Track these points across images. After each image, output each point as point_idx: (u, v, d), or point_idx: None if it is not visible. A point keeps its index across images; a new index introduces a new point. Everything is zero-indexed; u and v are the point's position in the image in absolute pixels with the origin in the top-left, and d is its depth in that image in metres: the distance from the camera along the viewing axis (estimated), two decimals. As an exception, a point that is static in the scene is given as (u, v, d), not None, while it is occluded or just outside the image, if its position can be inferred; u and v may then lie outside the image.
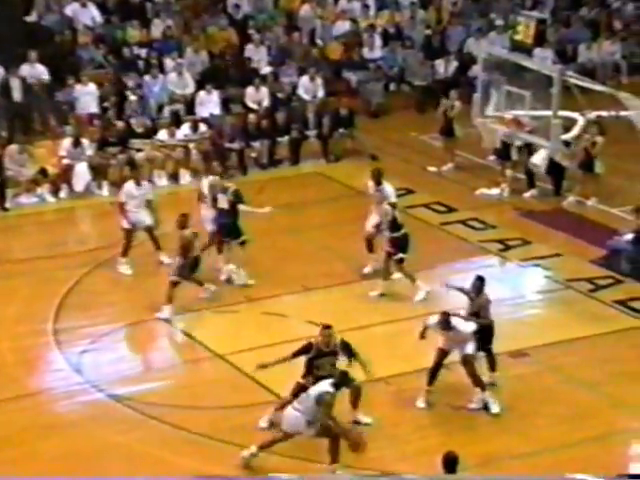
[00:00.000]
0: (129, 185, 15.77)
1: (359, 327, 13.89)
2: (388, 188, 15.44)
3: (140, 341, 14.03)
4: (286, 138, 19.96)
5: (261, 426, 11.78)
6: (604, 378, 12.95)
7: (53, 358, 13.51)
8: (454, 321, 12.18)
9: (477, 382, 12.32)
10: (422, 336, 12.38)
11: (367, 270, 15.35)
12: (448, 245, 16.57)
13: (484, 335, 12.52)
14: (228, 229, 15.17)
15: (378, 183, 15.47)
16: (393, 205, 15.07)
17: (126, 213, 15.56)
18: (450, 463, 9.21)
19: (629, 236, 15.80)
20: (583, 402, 12.56)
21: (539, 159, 16.78)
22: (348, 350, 11.62)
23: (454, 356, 12.34)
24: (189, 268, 14.37)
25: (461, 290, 12.82)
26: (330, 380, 10.95)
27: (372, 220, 15.40)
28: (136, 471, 11.31)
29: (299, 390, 11.39)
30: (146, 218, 15.67)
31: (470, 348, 12.27)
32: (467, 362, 12.26)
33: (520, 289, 15.17)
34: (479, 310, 12.58)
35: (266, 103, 20.88)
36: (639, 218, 15.62)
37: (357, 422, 11.87)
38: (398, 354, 13.13)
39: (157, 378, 13.09)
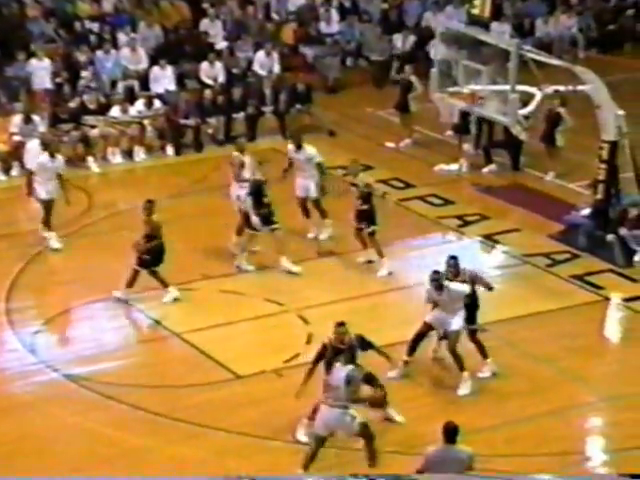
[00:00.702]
0: (44, 157, 15.66)
1: (318, 304, 13.95)
2: (310, 149, 15.72)
3: (96, 320, 13.97)
4: (242, 114, 19.88)
5: (301, 440, 11.26)
6: (561, 353, 13.08)
7: (6, 338, 13.42)
8: (447, 283, 12.11)
9: (457, 360, 12.24)
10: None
11: (319, 235, 15.61)
12: (407, 221, 16.63)
13: (471, 311, 12.48)
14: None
15: (298, 146, 15.64)
16: (320, 165, 15.61)
17: (32, 184, 15.50)
18: (450, 432, 9.33)
19: (586, 211, 15.95)
20: (541, 376, 12.68)
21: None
22: (365, 343, 11.34)
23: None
24: (154, 257, 14.16)
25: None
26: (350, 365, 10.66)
27: (299, 184, 15.65)
28: (93, 452, 11.29)
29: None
30: (53, 191, 15.49)
31: (456, 323, 12.20)
32: (449, 337, 12.24)
33: (478, 265, 15.27)
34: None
35: (221, 79, 20.79)
36: (595, 193, 15.78)
37: (389, 419, 11.52)
38: (363, 330, 13.17)
39: (114, 358, 13.04)
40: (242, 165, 15.45)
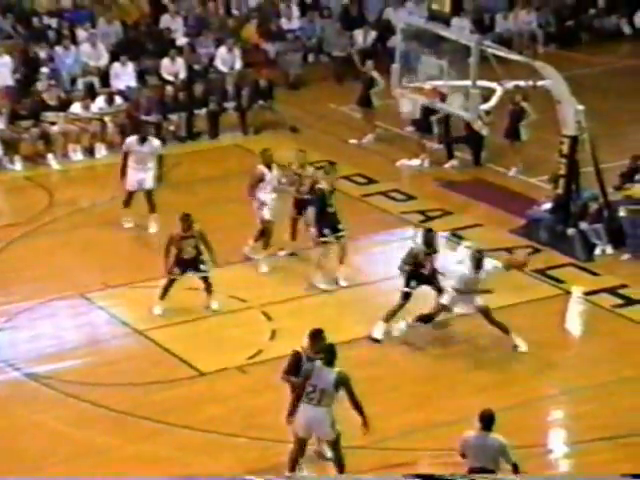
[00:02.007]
0: None
1: (281, 300, 13.95)
2: (155, 141, 16.00)
3: (58, 318, 13.89)
4: (204, 110, 19.83)
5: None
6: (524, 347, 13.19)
7: (-33, 337, 13.32)
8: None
9: (502, 327, 12.92)
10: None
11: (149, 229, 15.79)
12: (370, 217, 16.68)
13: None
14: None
15: (143, 139, 15.79)
16: (162, 157, 15.89)
17: None
18: (487, 420, 9.64)
19: (547, 205, 16.08)
20: (504, 369, 12.78)
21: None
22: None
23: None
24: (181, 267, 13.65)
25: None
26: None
27: (134, 177, 15.68)
28: (55, 450, 11.23)
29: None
30: None
31: (480, 300, 12.87)
32: (485, 312, 12.89)
33: (441, 260, 15.33)
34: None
35: (182, 75, 20.73)
36: (556, 187, 15.91)
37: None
38: (327, 326, 13.21)
39: (76, 356, 12.97)
40: (262, 179, 14.75)
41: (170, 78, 20.56)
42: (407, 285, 13.23)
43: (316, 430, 10.38)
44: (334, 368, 10.24)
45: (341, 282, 14.41)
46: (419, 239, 13.62)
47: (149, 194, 15.86)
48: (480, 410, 9.71)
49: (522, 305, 14.12)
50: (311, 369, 10.22)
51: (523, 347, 12.97)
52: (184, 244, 13.62)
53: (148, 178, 15.78)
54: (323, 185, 14.44)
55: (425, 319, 13.11)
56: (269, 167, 14.89)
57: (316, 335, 10.62)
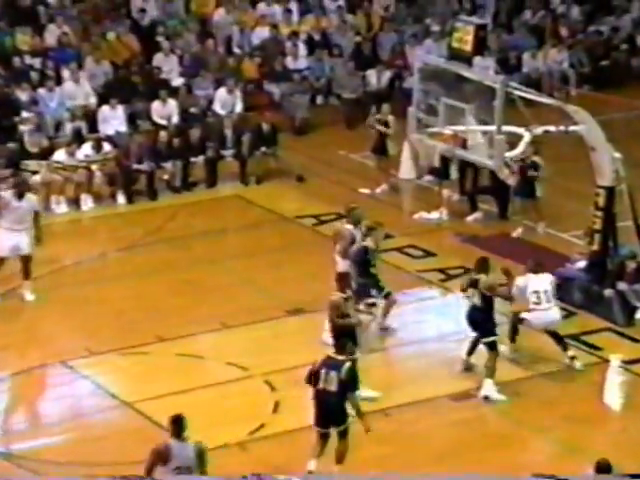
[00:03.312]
0: None
1: (286, 368, 13.85)
2: (32, 197, 15.51)
3: (36, 389, 13.78)
4: (201, 158, 19.87)
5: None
6: (557, 421, 13.03)
7: None
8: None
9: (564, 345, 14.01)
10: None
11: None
12: (383, 275, 16.57)
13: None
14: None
15: (20, 195, 15.24)
16: (38, 215, 15.38)
17: None
18: (605, 470, 9.98)
19: (581, 263, 15.99)
20: (535, 449, 12.63)
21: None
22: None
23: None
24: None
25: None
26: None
27: (8, 240, 15.09)
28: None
29: None
30: None
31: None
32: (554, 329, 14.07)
33: (464, 324, 15.22)
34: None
35: (175, 118, 20.80)
36: (591, 243, 15.83)
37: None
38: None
39: (55, 432, 12.86)
40: (353, 241, 14.50)
41: (162, 122, 20.65)
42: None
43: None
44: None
45: (393, 325, 14.65)
46: (476, 298, 13.66)
47: (26, 259, 15.28)
48: None
49: (554, 375, 13.98)
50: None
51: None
52: None
53: (24, 241, 15.20)
54: (369, 243, 14.49)
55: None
56: (357, 227, 14.62)
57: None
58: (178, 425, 10.57)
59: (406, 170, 19.80)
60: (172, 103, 20.94)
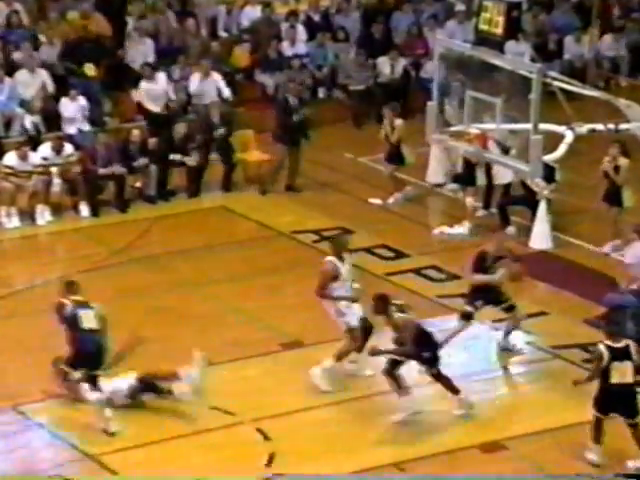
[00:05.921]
0: None
1: (282, 413, 13.87)
2: None
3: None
4: (188, 160, 19.86)
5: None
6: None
7: None
8: None
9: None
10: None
11: None
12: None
13: None
14: None
15: None
16: None
17: None
18: None
19: (633, 287, 16.01)
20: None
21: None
22: None
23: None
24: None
25: None
26: None
27: None
28: None
29: None
30: None
31: None
32: None
33: (494, 360, 15.20)
34: None
35: (173, 95, 20.89)
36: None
37: None
38: (334, 447, 13.11)
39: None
40: (336, 277, 14.25)
41: (155, 107, 20.66)
42: None
43: None
44: None
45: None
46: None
47: None
48: None
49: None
50: None
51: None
52: None
53: None
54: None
55: None
56: (341, 259, 14.33)
57: None
58: None
59: (433, 172, 19.73)
60: (163, 78, 20.88)
